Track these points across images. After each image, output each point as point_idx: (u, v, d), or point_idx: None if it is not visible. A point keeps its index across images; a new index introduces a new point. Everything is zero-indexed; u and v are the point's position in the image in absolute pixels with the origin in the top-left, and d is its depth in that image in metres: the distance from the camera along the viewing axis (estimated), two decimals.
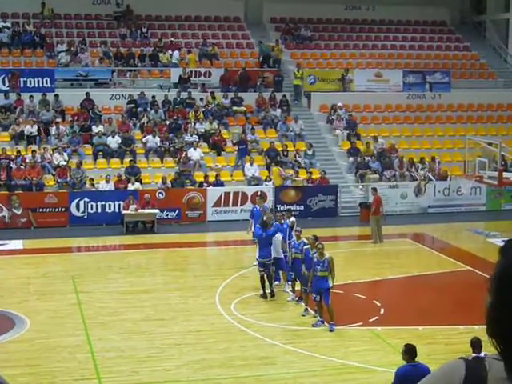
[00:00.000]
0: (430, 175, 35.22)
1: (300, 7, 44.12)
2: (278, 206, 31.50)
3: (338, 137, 37.66)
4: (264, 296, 21.54)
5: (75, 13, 42.42)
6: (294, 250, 21.10)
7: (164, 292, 22.33)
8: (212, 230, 31.27)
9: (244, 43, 42.92)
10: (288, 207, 31.21)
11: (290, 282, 21.79)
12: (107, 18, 42.79)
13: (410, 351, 12.48)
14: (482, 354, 2.50)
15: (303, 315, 20.08)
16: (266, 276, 21.54)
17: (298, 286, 21.16)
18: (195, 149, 34.40)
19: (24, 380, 15.75)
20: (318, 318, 19.38)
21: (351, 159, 35.83)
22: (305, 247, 20.20)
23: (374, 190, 30.00)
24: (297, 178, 34.17)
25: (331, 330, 18.79)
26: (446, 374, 2.31)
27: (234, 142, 35.67)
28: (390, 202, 33.60)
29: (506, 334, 2.19)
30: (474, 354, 2.74)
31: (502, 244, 2.43)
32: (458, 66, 44.16)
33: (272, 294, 21.53)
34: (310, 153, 35.54)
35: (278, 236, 21.69)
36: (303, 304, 20.47)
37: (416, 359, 12.38)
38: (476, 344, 12.69)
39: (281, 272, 22.33)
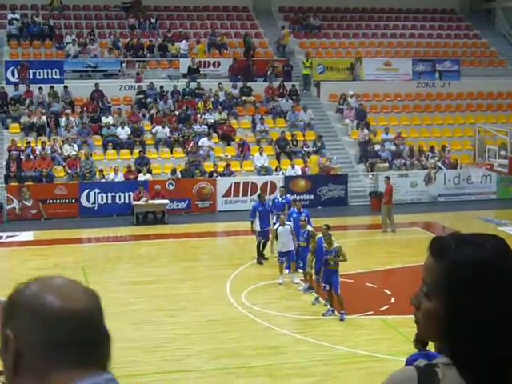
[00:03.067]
0: (439, 164, 35.15)
1: None
2: (289, 195, 31.46)
3: (347, 126, 37.59)
4: (260, 262, 23.73)
5: (84, 4, 42.41)
6: (300, 238, 21.23)
7: (175, 282, 22.36)
8: (222, 220, 31.28)
9: (253, 33, 42.81)
10: (298, 197, 31.17)
11: (300, 270, 21.80)
12: (116, 9, 42.79)
13: (418, 341, 12.49)
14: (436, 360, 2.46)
15: (314, 304, 20.08)
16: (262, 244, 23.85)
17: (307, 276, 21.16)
18: (209, 139, 34.43)
19: None
20: (329, 307, 19.39)
21: (365, 131, 35.69)
22: (317, 236, 20.16)
23: (387, 178, 29.95)
24: (335, 166, 34.21)
25: (342, 319, 18.80)
26: None
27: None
28: (399, 191, 33.52)
29: (458, 337, 2.15)
30: (424, 361, 2.70)
31: (433, 242, 2.40)
32: (468, 54, 43.99)
33: (264, 258, 23.93)
34: (318, 144, 35.46)
35: (287, 227, 21.69)
36: (314, 293, 20.48)
37: (427, 348, 12.39)
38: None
39: (291, 263, 22.33)
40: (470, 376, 2.09)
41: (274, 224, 23.34)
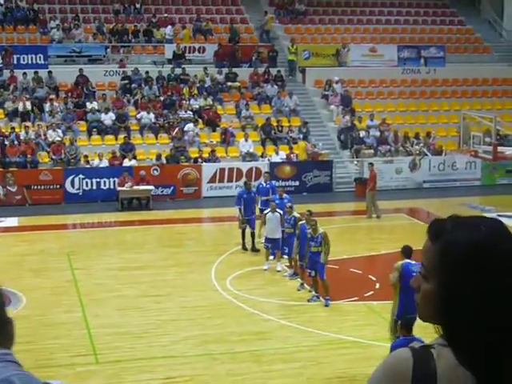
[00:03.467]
0: (425, 150, 35.23)
1: None
2: (274, 181, 31.47)
3: (332, 112, 37.59)
4: (244, 248, 23.66)
5: None
6: (286, 225, 21.25)
7: (160, 268, 22.35)
8: (207, 206, 31.27)
9: (238, 18, 42.69)
10: (284, 183, 31.20)
11: (285, 256, 21.81)
12: None
13: (405, 325, 12.57)
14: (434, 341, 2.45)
15: (299, 290, 20.13)
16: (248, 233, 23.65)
17: (293, 262, 21.21)
18: (195, 124, 34.35)
19: (20, 356, 15.74)
20: (314, 293, 19.44)
21: (346, 118, 35.65)
22: (300, 223, 20.23)
23: (371, 165, 30.01)
24: (322, 152, 34.27)
25: (326, 305, 18.85)
26: (393, 367, 2.24)
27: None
28: (384, 177, 33.61)
29: (454, 318, 2.15)
30: (419, 343, 2.67)
31: (430, 225, 2.40)
32: (453, 41, 44.04)
33: (256, 250, 23.48)
34: (304, 130, 35.46)
35: (277, 215, 21.67)
36: (299, 279, 20.52)
37: (412, 333, 12.47)
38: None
39: (276, 251, 22.31)
40: (465, 358, 2.09)
41: (261, 210, 23.35)
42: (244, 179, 31.75)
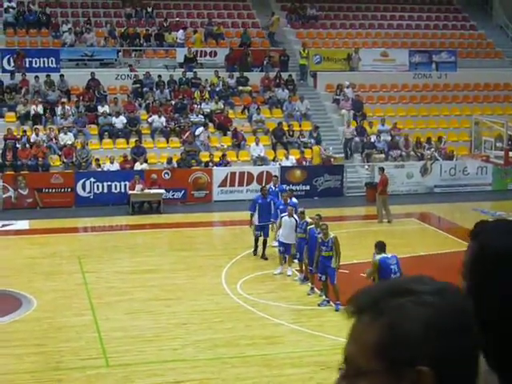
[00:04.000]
0: (436, 155, 35.16)
1: None
2: (284, 185, 31.47)
3: (343, 116, 37.57)
4: (255, 253, 23.44)
5: None
6: (298, 230, 21.16)
7: (170, 272, 22.37)
8: (218, 210, 31.29)
9: (250, 23, 42.74)
10: (294, 187, 31.17)
11: (296, 261, 21.79)
12: None
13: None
14: None
15: (309, 294, 20.11)
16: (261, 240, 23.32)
17: (303, 266, 21.20)
18: (206, 129, 34.39)
19: (31, 359, 15.83)
20: (324, 297, 19.42)
21: (357, 139, 35.72)
22: (309, 227, 20.23)
23: (381, 169, 29.98)
24: (336, 156, 34.30)
25: (337, 310, 18.82)
26: None
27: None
28: (395, 182, 33.58)
29: (483, 319, 2.13)
30: None
31: (474, 225, 2.37)
32: (465, 46, 43.95)
33: (265, 258, 23.25)
34: (315, 135, 35.45)
35: (293, 220, 21.56)
36: (309, 283, 20.51)
37: None
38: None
39: (287, 256, 22.26)
40: (492, 362, 2.08)
41: (276, 213, 23.14)
42: (254, 183, 31.90)
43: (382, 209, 28.81)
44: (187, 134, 34.00)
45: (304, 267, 21.01)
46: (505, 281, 2.09)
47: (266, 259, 23.14)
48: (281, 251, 21.94)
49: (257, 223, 23.23)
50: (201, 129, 34.35)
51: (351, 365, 1.91)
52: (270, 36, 41.45)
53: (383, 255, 16.25)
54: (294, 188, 30.53)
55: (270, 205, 23.41)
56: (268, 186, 27.23)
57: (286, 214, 21.82)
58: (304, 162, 33.74)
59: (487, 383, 2.10)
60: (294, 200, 24.11)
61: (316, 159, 33.97)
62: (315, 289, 20.14)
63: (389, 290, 1.91)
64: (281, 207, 22.83)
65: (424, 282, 1.95)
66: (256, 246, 23.60)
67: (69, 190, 31.06)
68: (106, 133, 34.34)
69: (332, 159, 34.25)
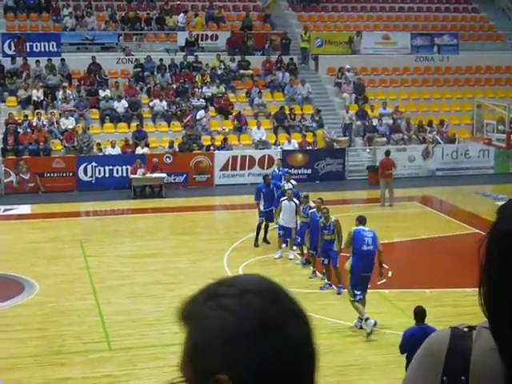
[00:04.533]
0: (438, 138, 35.10)
1: None
2: (286, 169, 31.46)
3: (345, 100, 37.50)
4: (256, 244, 22.85)
5: None
6: (302, 214, 21.13)
7: (172, 256, 22.40)
8: (219, 194, 31.27)
9: (251, 6, 42.59)
10: (296, 171, 31.14)
11: (295, 247, 21.80)
12: None
13: (416, 314, 12.66)
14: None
15: (310, 278, 20.14)
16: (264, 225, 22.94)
17: (305, 250, 21.22)
18: (206, 111, 34.33)
19: (33, 343, 15.88)
20: (326, 280, 19.45)
21: (359, 122, 35.66)
22: (310, 211, 20.23)
23: (386, 153, 29.87)
24: (341, 139, 34.25)
25: (339, 293, 18.85)
26: (430, 347, 2.19)
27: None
28: (397, 165, 33.50)
29: (488, 301, 2.10)
30: (466, 324, 2.63)
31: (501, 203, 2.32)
32: (467, 28, 43.82)
33: (267, 242, 23.01)
34: (316, 118, 35.40)
35: (292, 204, 21.56)
36: (311, 267, 20.53)
37: (425, 322, 12.53)
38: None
39: (288, 239, 22.26)
40: (503, 341, 2.05)
41: (279, 197, 23.09)
42: (256, 167, 31.89)
43: (384, 192, 28.79)
44: (188, 117, 33.96)
45: (306, 251, 21.01)
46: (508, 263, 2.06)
47: (269, 243, 23.01)
48: (280, 235, 21.94)
49: (262, 209, 23.09)
50: (201, 112, 34.28)
51: (181, 373, 1.85)
52: (266, 18, 41.23)
53: (360, 227, 17.11)
54: (295, 172, 30.55)
55: (273, 192, 23.35)
56: (271, 169, 27.31)
57: (286, 198, 21.80)
58: (308, 146, 33.66)
59: (484, 362, 2.08)
60: (293, 182, 24.04)
61: (320, 143, 33.94)
62: (317, 272, 20.16)
63: (204, 295, 1.88)
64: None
65: (231, 284, 1.89)
66: (257, 236, 23.08)
67: (70, 174, 31.05)
68: (108, 117, 34.30)
69: (336, 142, 34.21)
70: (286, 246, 22.25)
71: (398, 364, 14.22)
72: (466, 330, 2.18)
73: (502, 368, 2.01)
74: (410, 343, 11.97)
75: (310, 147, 33.69)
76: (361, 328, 16.68)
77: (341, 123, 35.96)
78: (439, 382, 2.11)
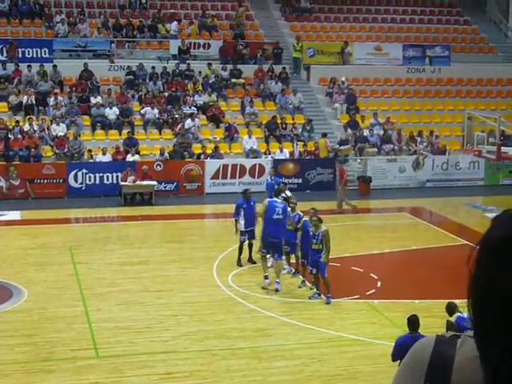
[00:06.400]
0: (426, 152, 35.06)
1: None
2: (280, 179, 31.47)
3: (336, 110, 37.58)
4: (239, 263, 21.96)
5: None
6: (288, 221, 21.01)
7: (161, 264, 22.36)
8: (210, 202, 31.29)
9: (244, 15, 42.59)
10: (286, 180, 31.13)
11: (283, 256, 21.62)
12: None
13: (410, 322, 12.77)
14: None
15: (300, 287, 20.13)
16: (248, 244, 22.05)
17: (292, 259, 21.20)
18: (193, 120, 34.30)
19: (21, 350, 15.82)
20: (315, 290, 19.44)
21: (349, 131, 35.67)
22: (302, 220, 20.22)
23: (340, 162, 31.26)
24: (342, 147, 34.32)
25: (328, 303, 18.85)
26: (414, 354, 2.20)
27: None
28: (388, 176, 33.68)
29: (473, 310, 2.10)
30: (452, 332, 2.61)
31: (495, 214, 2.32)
32: (458, 40, 43.98)
33: (253, 262, 22.00)
34: (308, 128, 35.45)
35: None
36: (300, 276, 20.52)
37: (418, 331, 12.60)
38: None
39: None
40: (485, 349, 2.05)
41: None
42: (247, 176, 31.93)
43: (341, 198, 29.16)
44: (179, 125, 33.96)
45: (295, 260, 21.00)
46: (500, 268, 2.05)
47: (254, 263, 22.04)
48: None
49: (243, 229, 21.83)
50: (189, 121, 34.14)
51: None
52: (237, 28, 41.06)
53: (274, 199, 20.26)
54: (286, 181, 30.51)
55: (253, 208, 22.09)
56: (264, 178, 27.33)
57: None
58: (306, 155, 33.75)
59: (466, 370, 2.09)
60: (288, 193, 23.56)
61: (322, 152, 33.98)
62: (306, 282, 20.16)
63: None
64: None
65: None
66: (240, 255, 22.08)
67: (61, 180, 31.00)
68: (99, 124, 34.29)
69: (339, 152, 34.26)
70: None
71: (386, 374, 14.24)
72: (450, 337, 2.19)
73: (483, 376, 2.02)
74: (402, 351, 12.00)
75: (311, 157, 33.75)
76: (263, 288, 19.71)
77: (338, 139, 35.71)
78: None
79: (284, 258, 21.49)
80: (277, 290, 19.57)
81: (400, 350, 12.20)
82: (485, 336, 2.04)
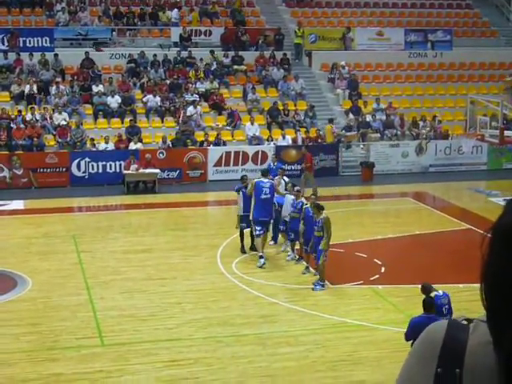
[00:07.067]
0: (425, 133, 35.01)
1: None
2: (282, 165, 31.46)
3: (339, 96, 37.52)
4: (243, 251, 21.91)
5: None
6: (292, 209, 21.03)
7: (165, 251, 22.38)
8: (213, 190, 31.26)
9: (245, 1, 42.53)
10: (289, 167, 31.12)
11: (289, 242, 21.72)
12: None
13: (425, 303, 12.78)
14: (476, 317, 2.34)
15: (304, 273, 20.14)
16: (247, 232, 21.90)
17: (297, 246, 21.21)
18: (195, 107, 34.25)
19: (26, 339, 15.86)
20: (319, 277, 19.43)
21: (351, 116, 35.58)
22: (305, 206, 20.20)
23: (306, 147, 31.45)
24: (348, 134, 34.26)
25: (314, 289, 18.77)
26: (425, 339, 2.19)
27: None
28: (391, 161, 33.64)
29: (486, 294, 2.09)
30: (464, 317, 2.57)
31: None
32: (460, 25, 43.84)
33: (255, 249, 21.64)
34: (310, 114, 35.40)
35: (289, 196, 21.49)
36: (304, 263, 20.53)
37: (433, 311, 12.68)
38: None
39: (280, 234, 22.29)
40: (498, 334, 2.05)
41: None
42: (250, 163, 31.91)
43: (304, 183, 28.64)
44: (182, 113, 33.92)
45: (299, 246, 20.99)
46: (510, 261, 2.04)
47: (256, 250, 21.72)
48: (281, 230, 21.86)
49: (241, 213, 21.70)
50: (191, 108, 34.10)
51: None
52: (233, 13, 40.96)
53: (261, 179, 20.99)
54: (289, 167, 30.52)
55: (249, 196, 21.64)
56: (267, 164, 27.37)
57: (278, 177, 22.65)
58: (309, 142, 33.70)
59: (478, 355, 2.08)
60: (286, 179, 23.56)
61: (329, 138, 33.93)
62: (310, 268, 20.16)
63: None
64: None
65: None
66: (242, 242, 22.06)
67: (64, 169, 31.01)
68: (101, 112, 34.26)
69: (345, 138, 34.20)
70: (275, 241, 22.43)
71: (391, 359, 14.29)
72: (463, 322, 2.18)
73: (496, 361, 2.01)
74: (415, 331, 12.07)
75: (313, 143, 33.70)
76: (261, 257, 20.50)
77: (342, 125, 35.65)
78: (434, 374, 2.11)
79: (289, 243, 21.60)
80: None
81: (414, 330, 12.25)
82: (498, 322, 2.03)
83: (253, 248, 21.98)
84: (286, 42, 39.91)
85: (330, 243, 18.95)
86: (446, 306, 14.10)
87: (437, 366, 2.11)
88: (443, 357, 2.12)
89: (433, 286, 14.12)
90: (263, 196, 20.59)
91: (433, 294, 13.98)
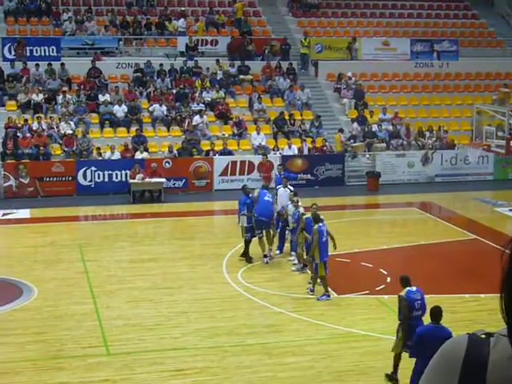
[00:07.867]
0: (431, 143, 34.99)
1: None
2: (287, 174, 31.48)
3: (345, 105, 37.54)
4: (248, 260, 21.98)
5: None
6: (293, 220, 21.19)
7: (171, 261, 22.40)
8: (219, 199, 31.25)
9: (251, 11, 42.64)
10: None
11: (293, 253, 21.74)
12: None
13: (432, 313, 12.72)
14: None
15: (310, 283, 20.10)
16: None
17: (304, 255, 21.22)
18: (201, 116, 34.30)
19: (32, 348, 15.86)
20: (323, 287, 19.41)
21: (356, 126, 35.57)
22: (305, 216, 20.20)
23: (265, 156, 31.69)
24: (355, 144, 34.29)
25: (319, 299, 18.80)
26: (446, 353, 2.15)
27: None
28: (397, 171, 33.62)
29: (507, 310, 2.08)
30: (483, 331, 2.53)
31: None
32: (466, 35, 43.87)
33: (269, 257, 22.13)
34: (316, 124, 35.42)
35: (288, 191, 22.78)
36: (308, 271, 20.51)
37: (440, 322, 12.65)
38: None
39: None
40: None
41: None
42: (255, 172, 31.90)
43: None
44: (188, 122, 33.96)
45: (301, 257, 20.99)
46: None
47: (266, 257, 22.08)
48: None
49: (246, 225, 21.90)
50: (197, 118, 34.15)
51: None
52: (237, 22, 41.05)
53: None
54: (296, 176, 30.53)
55: (252, 203, 22.02)
56: (273, 173, 27.58)
57: (281, 185, 23.28)
58: (306, 151, 33.70)
59: (501, 369, 2.06)
60: (290, 188, 23.64)
61: (337, 147, 33.98)
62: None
63: None
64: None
65: None
66: (247, 252, 22.08)
67: (70, 178, 31.05)
68: (107, 121, 34.32)
69: (352, 148, 34.21)
70: (281, 251, 22.61)
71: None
72: (483, 336, 2.15)
73: None
74: (422, 339, 12.10)
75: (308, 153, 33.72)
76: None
77: (349, 135, 35.69)
78: None
79: (294, 254, 21.69)
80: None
81: (419, 339, 12.22)
82: None
83: (243, 255, 22.18)
84: (292, 51, 39.96)
85: (336, 253, 18.94)
86: (419, 301, 14.16)
87: (458, 382, 2.09)
88: (465, 372, 2.09)
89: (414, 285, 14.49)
90: (266, 197, 21.83)
91: (405, 290, 14.08)
